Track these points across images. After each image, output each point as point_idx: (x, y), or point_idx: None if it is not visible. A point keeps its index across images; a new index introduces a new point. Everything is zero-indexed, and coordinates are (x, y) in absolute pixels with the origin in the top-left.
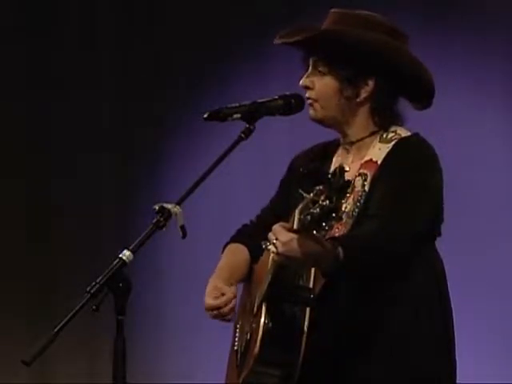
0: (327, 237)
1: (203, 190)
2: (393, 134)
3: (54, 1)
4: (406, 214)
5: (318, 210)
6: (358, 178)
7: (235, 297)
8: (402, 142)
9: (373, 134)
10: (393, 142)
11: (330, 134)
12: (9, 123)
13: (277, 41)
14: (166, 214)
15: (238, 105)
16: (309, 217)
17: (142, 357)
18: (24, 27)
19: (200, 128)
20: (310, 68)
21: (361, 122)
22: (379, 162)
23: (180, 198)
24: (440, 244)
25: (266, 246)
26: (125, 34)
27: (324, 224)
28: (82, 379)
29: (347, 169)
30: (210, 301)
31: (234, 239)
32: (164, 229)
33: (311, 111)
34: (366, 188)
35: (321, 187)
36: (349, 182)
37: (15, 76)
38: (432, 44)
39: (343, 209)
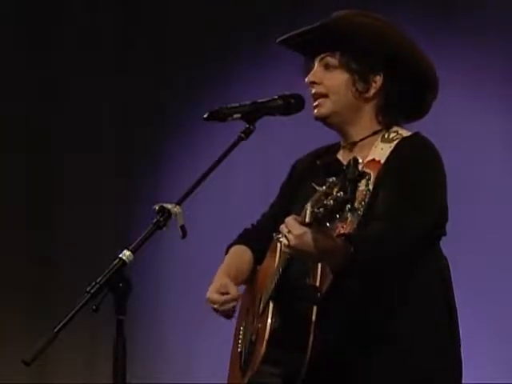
0: (335, 234)
1: (203, 189)
2: (394, 134)
3: (54, 1)
4: (413, 213)
5: (331, 202)
6: None
7: (238, 299)
8: (404, 141)
9: (375, 133)
10: (395, 142)
11: (331, 134)
12: (9, 123)
13: (282, 38)
14: (166, 214)
15: (238, 105)
16: (322, 209)
17: (142, 357)
18: (24, 27)
19: (200, 128)
20: (316, 66)
21: (365, 121)
22: (382, 162)
23: (180, 197)
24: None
25: (278, 239)
26: (125, 34)
27: (338, 216)
28: (81, 379)
29: (360, 160)
30: (214, 295)
31: (237, 241)
32: (164, 229)
33: (318, 109)
34: (370, 187)
35: (334, 179)
36: (364, 173)
37: (15, 76)
38: (432, 44)
39: (357, 200)
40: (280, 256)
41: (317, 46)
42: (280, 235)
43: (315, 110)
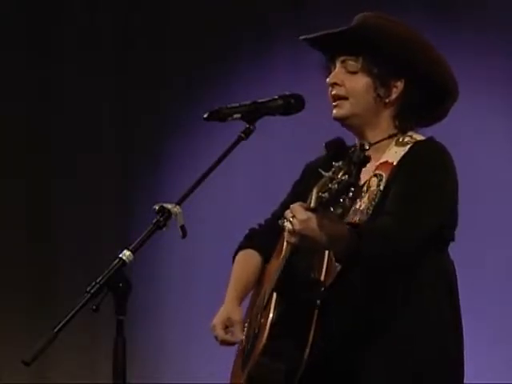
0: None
1: (203, 189)
2: (409, 138)
3: (54, 1)
4: (421, 213)
5: (336, 185)
6: (373, 179)
7: (235, 344)
8: (418, 144)
9: (390, 137)
10: (409, 145)
11: (331, 134)
12: (9, 123)
13: (308, 36)
14: (166, 214)
15: (238, 105)
16: (326, 194)
17: (142, 357)
18: (24, 27)
19: (200, 128)
20: (338, 67)
21: (383, 125)
22: (395, 163)
23: (180, 197)
24: None
25: (283, 224)
26: (125, 34)
27: (342, 200)
28: (82, 379)
29: (367, 147)
30: (218, 330)
31: (243, 245)
32: (164, 229)
33: (337, 109)
34: (381, 187)
35: (340, 164)
36: (369, 157)
37: (15, 76)
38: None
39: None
40: (286, 247)
41: (340, 48)
42: (285, 220)
43: (334, 111)
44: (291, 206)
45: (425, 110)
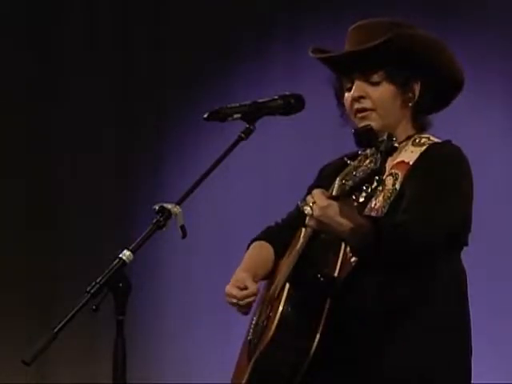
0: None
1: (203, 190)
2: (426, 140)
3: (54, 1)
4: (438, 212)
5: (361, 173)
6: (389, 177)
7: (256, 294)
8: (435, 146)
9: (408, 138)
10: (425, 146)
11: (330, 135)
12: (9, 124)
13: (323, 55)
14: (166, 214)
15: (238, 105)
16: (350, 182)
17: (142, 357)
18: (24, 27)
19: (200, 128)
20: (358, 79)
21: (403, 127)
22: (411, 163)
23: (180, 198)
24: None
25: (302, 207)
26: (125, 34)
27: (365, 188)
28: (81, 379)
29: (394, 138)
30: (232, 290)
31: (258, 238)
32: (164, 229)
33: (364, 122)
34: (397, 186)
35: (367, 151)
36: (396, 147)
37: (15, 76)
38: None
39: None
40: (302, 236)
41: (362, 66)
42: (304, 204)
43: (362, 124)
44: (313, 191)
45: (437, 106)
